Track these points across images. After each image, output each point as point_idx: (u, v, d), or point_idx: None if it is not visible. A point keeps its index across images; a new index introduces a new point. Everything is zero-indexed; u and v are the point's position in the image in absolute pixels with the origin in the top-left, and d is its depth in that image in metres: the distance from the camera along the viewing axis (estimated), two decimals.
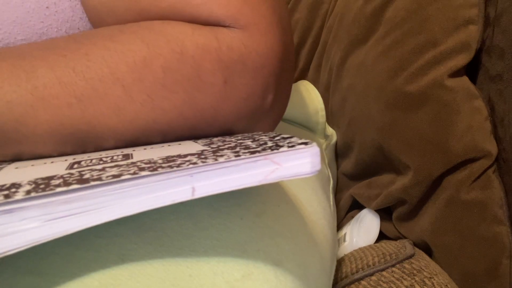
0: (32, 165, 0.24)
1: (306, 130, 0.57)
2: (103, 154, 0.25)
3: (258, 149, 0.21)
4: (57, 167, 0.23)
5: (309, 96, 0.59)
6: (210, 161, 0.19)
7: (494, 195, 0.40)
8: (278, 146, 0.21)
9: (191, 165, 0.19)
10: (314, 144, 0.20)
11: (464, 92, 0.42)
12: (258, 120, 0.31)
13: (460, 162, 0.42)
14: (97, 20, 0.32)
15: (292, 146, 0.20)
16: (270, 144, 0.22)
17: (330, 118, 0.59)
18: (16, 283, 0.21)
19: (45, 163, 0.25)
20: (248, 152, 0.20)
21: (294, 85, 0.62)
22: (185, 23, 0.28)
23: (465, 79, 0.43)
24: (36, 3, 0.31)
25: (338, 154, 0.60)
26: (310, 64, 0.66)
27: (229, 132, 0.31)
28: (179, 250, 0.23)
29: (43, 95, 0.25)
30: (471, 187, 0.41)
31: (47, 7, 0.32)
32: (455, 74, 0.43)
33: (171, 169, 0.19)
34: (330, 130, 0.59)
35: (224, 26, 0.29)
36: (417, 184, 0.44)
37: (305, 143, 0.21)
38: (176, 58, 0.27)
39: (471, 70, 0.44)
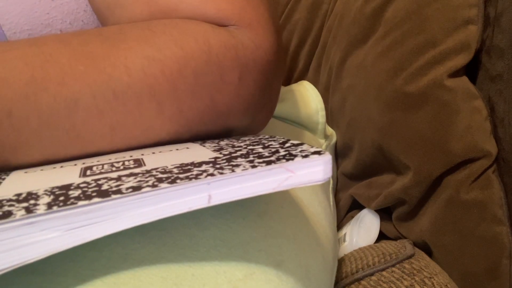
0: (42, 170, 0.24)
1: (306, 130, 0.57)
2: (112, 158, 0.25)
3: (272, 158, 0.21)
4: (69, 173, 0.23)
5: (309, 96, 0.59)
6: (227, 171, 0.20)
7: (494, 195, 0.40)
8: (292, 155, 0.21)
9: (209, 177, 0.19)
10: (327, 152, 0.21)
11: (463, 92, 0.42)
12: (258, 113, 0.32)
13: (460, 162, 0.42)
14: (104, 12, 0.31)
15: (306, 156, 0.21)
16: (282, 152, 0.22)
17: (330, 119, 0.59)
18: (18, 282, 0.20)
19: (54, 167, 0.25)
20: (264, 162, 0.21)
21: (294, 86, 0.62)
22: (204, 22, 0.28)
23: (464, 79, 0.43)
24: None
25: (338, 154, 0.60)
26: (309, 65, 0.66)
27: (231, 129, 0.31)
28: (182, 249, 0.23)
29: (76, 124, 0.25)
30: (471, 187, 0.41)
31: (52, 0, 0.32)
32: (455, 74, 0.43)
33: (190, 181, 0.19)
34: (330, 130, 0.59)
35: (231, 25, 0.29)
36: (417, 184, 0.44)
37: (318, 153, 0.21)
38: (205, 59, 0.27)
39: (471, 70, 0.44)
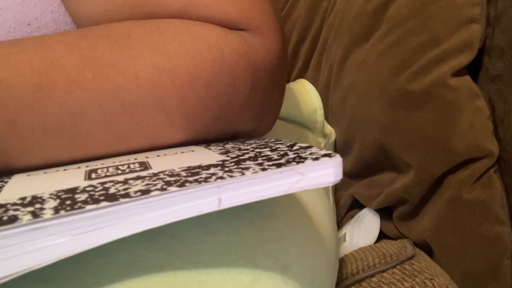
0: (45, 172, 0.24)
1: (304, 129, 0.56)
2: (116, 161, 0.24)
3: (282, 160, 0.21)
4: (73, 176, 0.22)
5: (308, 95, 0.59)
6: (236, 174, 0.19)
7: (496, 195, 0.40)
8: (302, 158, 0.21)
9: (218, 180, 0.19)
10: (337, 155, 0.21)
11: (466, 91, 0.42)
12: (265, 117, 0.31)
13: (462, 161, 0.42)
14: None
15: (317, 158, 0.20)
16: (292, 155, 0.22)
17: (330, 117, 0.59)
18: None
19: (57, 170, 0.24)
20: (274, 164, 0.20)
21: (292, 84, 0.61)
22: (216, 26, 0.27)
23: (467, 78, 0.43)
24: (16, 21, 0.30)
25: (338, 152, 0.60)
26: (309, 62, 0.65)
27: (237, 133, 0.30)
28: (189, 255, 0.23)
29: (82, 134, 0.24)
30: (472, 187, 0.41)
31: (28, 24, 0.31)
32: (458, 73, 0.43)
33: (199, 184, 0.18)
34: (328, 129, 0.59)
35: (239, 29, 0.28)
36: (418, 183, 0.44)
37: (329, 155, 0.21)
38: (217, 68, 0.26)
39: (471, 70, 0.44)
